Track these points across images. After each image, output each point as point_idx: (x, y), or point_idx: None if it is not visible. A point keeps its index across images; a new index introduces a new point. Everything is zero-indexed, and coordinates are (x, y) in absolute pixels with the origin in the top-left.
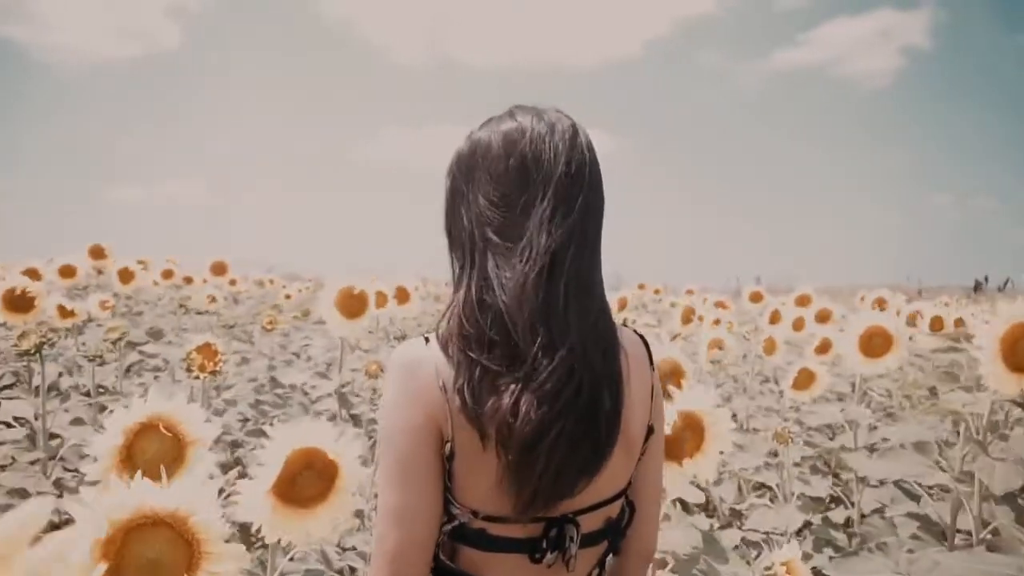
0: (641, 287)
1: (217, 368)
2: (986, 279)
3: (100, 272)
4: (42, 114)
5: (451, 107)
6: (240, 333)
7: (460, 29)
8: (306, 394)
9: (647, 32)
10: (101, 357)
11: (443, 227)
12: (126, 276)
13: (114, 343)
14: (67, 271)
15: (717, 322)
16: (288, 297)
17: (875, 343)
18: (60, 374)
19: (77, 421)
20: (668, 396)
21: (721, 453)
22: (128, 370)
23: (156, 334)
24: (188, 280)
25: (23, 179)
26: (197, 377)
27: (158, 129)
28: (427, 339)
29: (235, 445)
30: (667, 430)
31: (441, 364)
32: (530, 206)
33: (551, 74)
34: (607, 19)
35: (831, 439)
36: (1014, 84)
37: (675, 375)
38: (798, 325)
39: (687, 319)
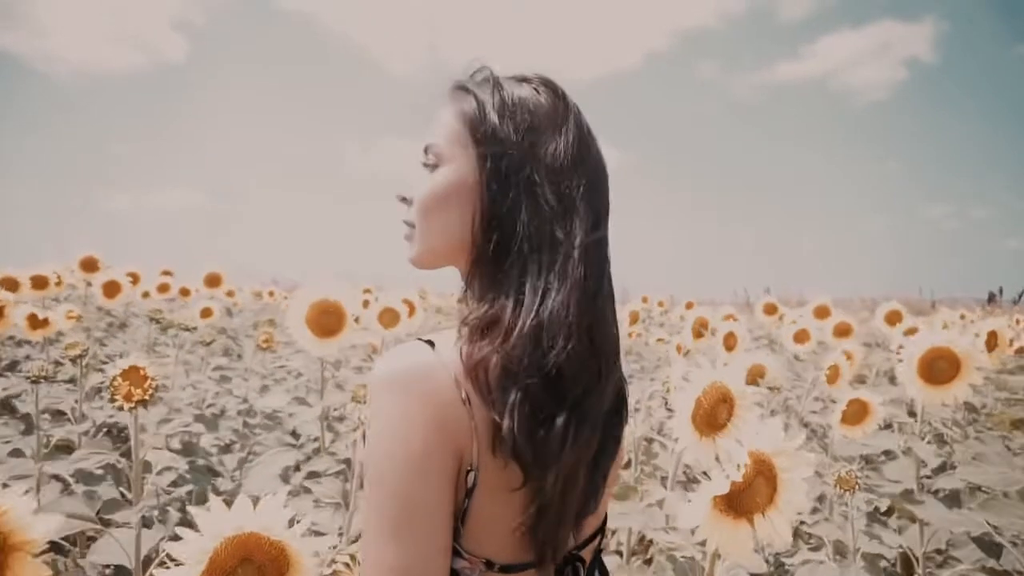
0: (644, 300)
1: (148, 397)
2: (1000, 291)
3: (89, 284)
4: (46, 125)
5: None
6: (230, 346)
7: (458, 40)
8: (291, 416)
9: (647, 44)
10: (44, 378)
11: (479, 207)
12: (111, 290)
13: (73, 361)
14: (39, 282)
15: (732, 337)
16: None
17: (939, 368)
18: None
19: (16, 453)
20: (722, 428)
21: (799, 514)
22: (97, 392)
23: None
24: (184, 292)
25: (25, 188)
26: (121, 408)
27: (161, 139)
28: (431, 343)
29: (213, 472)
30: (737, 475)
31: (460, 374)
32: (585, 200)
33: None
34: (607, 31)
35: (885, 478)
36: (1016, 94)
37: (726, 403)
38: (801, 337)
39: (698, 333)
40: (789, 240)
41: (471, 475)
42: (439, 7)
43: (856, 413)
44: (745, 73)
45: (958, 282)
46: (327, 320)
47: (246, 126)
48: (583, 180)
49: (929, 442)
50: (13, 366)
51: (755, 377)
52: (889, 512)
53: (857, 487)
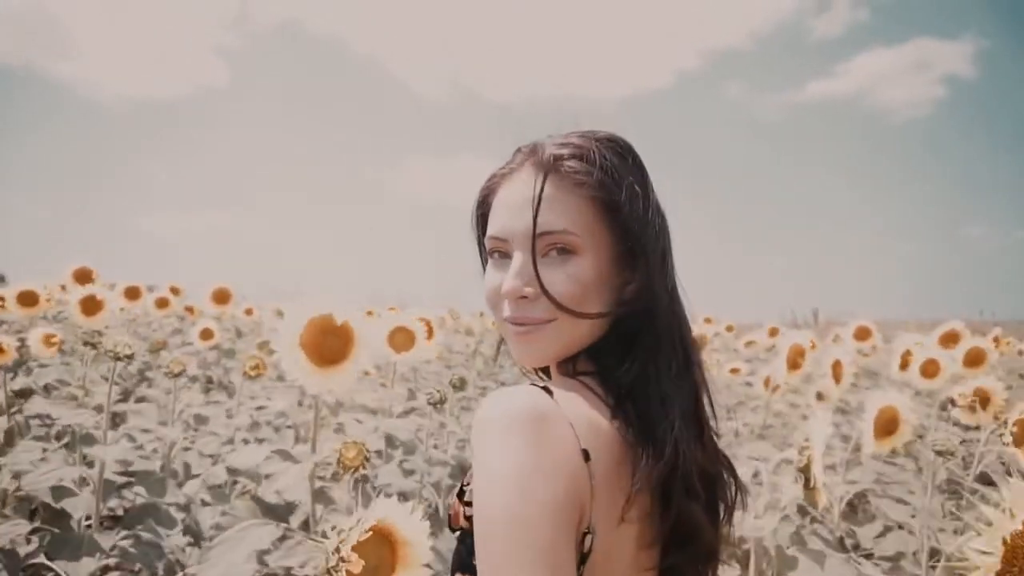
0: (708, 321)
1: None
2: None
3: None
4: (93, 149)
5: (475, 137)
6: (217, 375)
7: (484, 61)
8: (267, 477)
9: (677, 64)
10: None
11: (618, 293)
12: (91, 307)
13: None
14: (27, 299)
15: (838, 367)
16: None
17: None
18: None
19: None
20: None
21: None
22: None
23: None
24: (189, 310)
25: (66, 207)
26: None
27: (199, 161)
28: (549, 390)
29: (195, 536)
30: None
31: (581, 423)
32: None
33: (575, 107)
34: (637, 51)
35: None
36: None
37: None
38: (930, 370)
39: (795, 363)
40: (825, 261)
41: (588, 539)
42: (466, 29)
43: None
44: (776, 93)
45: (1008, 303)
46: (330, 344)
47: (280, 148)
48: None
49: None
50: None
51: (889, 427)
52: None
53: None
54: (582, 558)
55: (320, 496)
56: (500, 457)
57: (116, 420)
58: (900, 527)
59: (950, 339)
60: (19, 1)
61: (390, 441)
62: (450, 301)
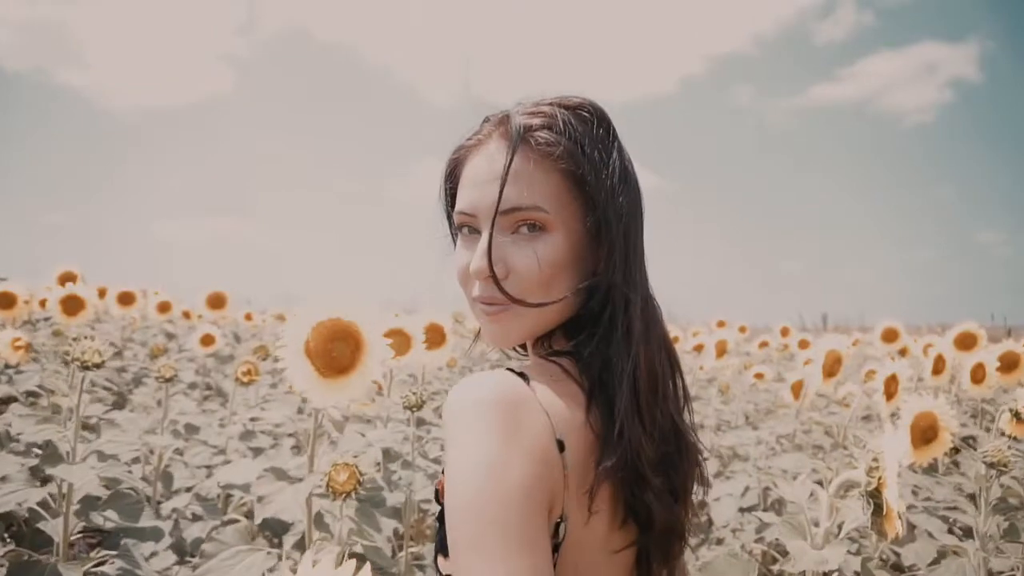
0: (721, 324)
1: None
2: None
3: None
4: (103, 156)
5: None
6: (216, 381)
7: (491, 64)
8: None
9: (681, 70)
10: None
11: (591, 269)
12: (72, 306)
13: None
14: (6, 300)
15: (893, 382)
16: None
17: None
18: None
19: None
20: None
21: None
22: None
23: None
24: (186, 315)
25: (84, 216)
26: None
27: (203, 167)
28: (524, 376)
29: (181, 552)
30: None
31: (556, 412)
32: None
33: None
34: (643, 56)
35: None
36: None
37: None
38: (978, 375)
39: (831, 371)
40: (831, 265)
41: (561, 527)
42: (472, 32)
43: None
44: (782, 97)
45: (1018, 307)
46: (338, 350)
47: (286, 154)
48: (639, 204)
49: None
50: None
51: (927, 435)
52: None
53: None
54: (555, 546)
55: (319, 520)
56: (474, 439)
57: (104, 428)
58: (956, 551)
59: (966, 341)
60: (30, 11)
61: (387, 454)
62: (453, 305)
